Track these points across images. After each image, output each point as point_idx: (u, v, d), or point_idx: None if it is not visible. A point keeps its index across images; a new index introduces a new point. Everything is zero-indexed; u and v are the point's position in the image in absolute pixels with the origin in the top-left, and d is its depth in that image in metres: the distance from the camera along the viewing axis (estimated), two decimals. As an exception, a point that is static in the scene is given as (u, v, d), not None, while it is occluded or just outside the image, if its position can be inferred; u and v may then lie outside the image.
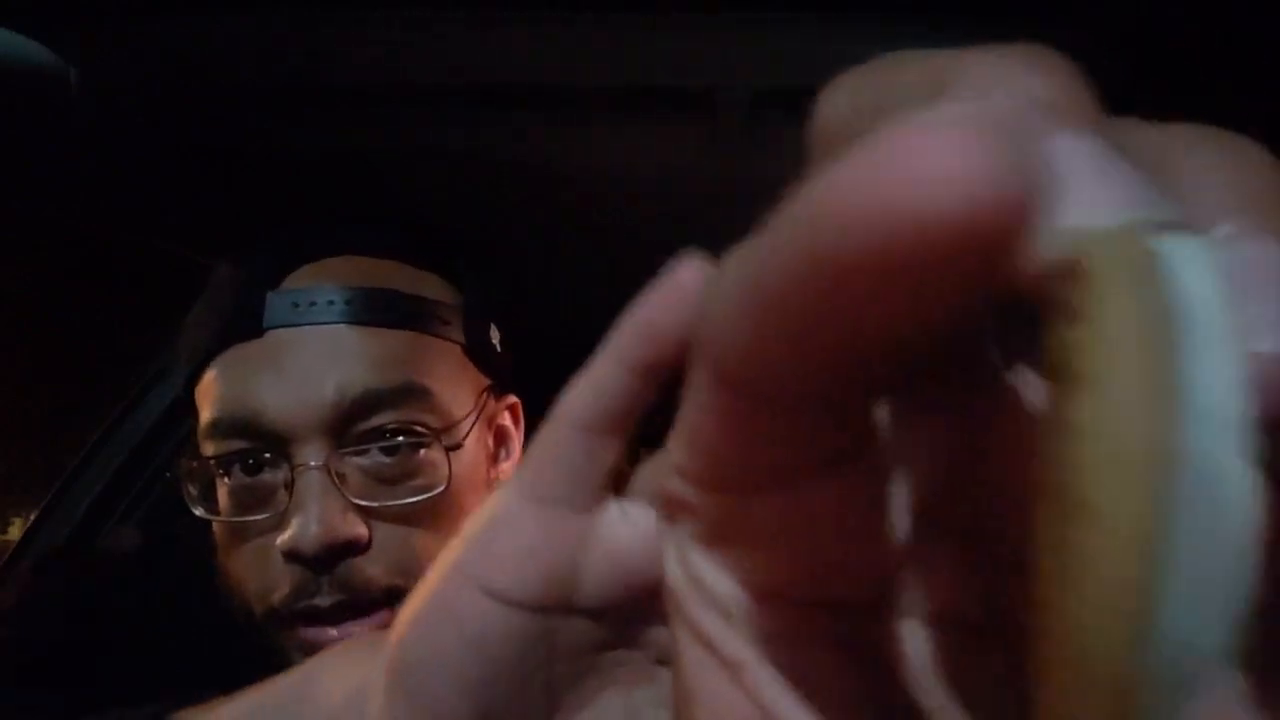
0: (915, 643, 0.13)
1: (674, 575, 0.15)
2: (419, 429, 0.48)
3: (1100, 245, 0.08)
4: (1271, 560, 0.10)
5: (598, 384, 0.18)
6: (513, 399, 0.58)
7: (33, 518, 0.87)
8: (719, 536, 0.14)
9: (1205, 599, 0.07)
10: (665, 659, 0.19)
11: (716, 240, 0.19)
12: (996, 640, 0.13)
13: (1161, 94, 0.45)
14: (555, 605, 0.18)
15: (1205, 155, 0.10)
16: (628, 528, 0.18)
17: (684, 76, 0.42)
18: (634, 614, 0.19)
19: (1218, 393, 0.07)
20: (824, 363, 0.09)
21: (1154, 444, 0.07)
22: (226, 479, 0.48)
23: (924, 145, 0.07)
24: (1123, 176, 0.09)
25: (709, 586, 0.14)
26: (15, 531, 0.86)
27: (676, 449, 0.14)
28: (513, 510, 0.19)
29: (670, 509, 0.15)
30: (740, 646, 0.13)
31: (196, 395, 0.50)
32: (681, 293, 0.17)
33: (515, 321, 0.59)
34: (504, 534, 0.18)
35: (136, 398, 0.83)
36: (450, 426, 0.49)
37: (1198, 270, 0.08)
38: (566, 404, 0.18)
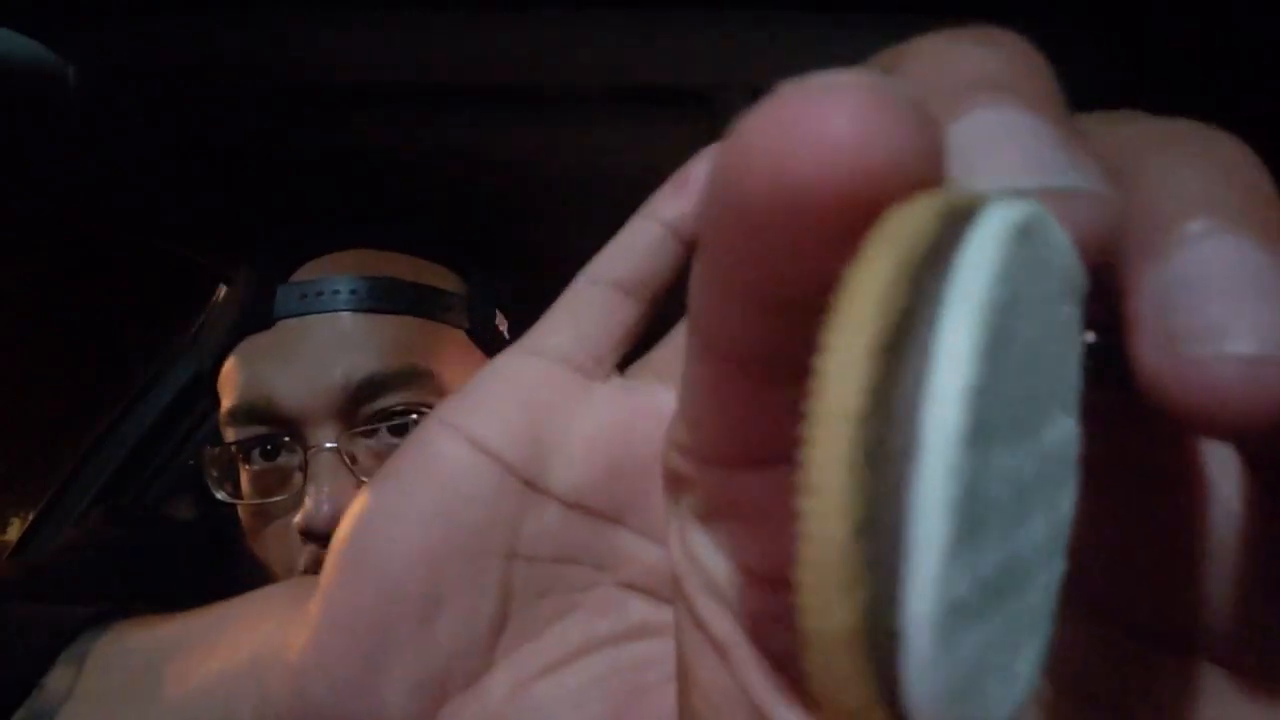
0: None
1: (675, 554, 0.14)
2: (425, 410, 0.49)
3: (915, 207, 0.07)
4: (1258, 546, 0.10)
5: (626, 240, 0.18)
6: None
7: (30, 518, 0.87)
8: (714, 512, 0.13)
9: (899, 562, 0.07)
10: (637, 584, 0.18)
11: None
12: None
13: (1161, 94, 0.45)
14: (532, 473, 0.17)
15: (1182, 149, 0.10)
16: (622, 409, 0.18)
17: (683, 76, 0.42)
18: (607, 521, 0.18)
19: (929, 367, 0.07)
20: (767, 318, 0.09)
21: (846, 404, 0.07)
22: (247, 464, 0.51)
23: (806, 107, 0.08)
24: (1029, 148, 0.08)
25: (705, 566, 0.14)
26: (14, 532, 0.86)
27: (675, 425, 0.13)
28: (511, 362, 0.18)
29: (671, 484, 0.14)
30: (730, 628, 0.13)
31: (218, 385, 0.53)
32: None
33: (517, 319, 0.59)
34: (497, 383, 0.18)
35: (136, 398, 0.83)
36: None
37: (990, 239, 0.07)
38: (592, 263, 0.18)
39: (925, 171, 0.08)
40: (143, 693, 0.23)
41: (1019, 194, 0.08)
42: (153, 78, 0.44)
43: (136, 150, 0.50)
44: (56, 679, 0.28)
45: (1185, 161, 0.09)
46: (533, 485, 0.17)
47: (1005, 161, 0.08)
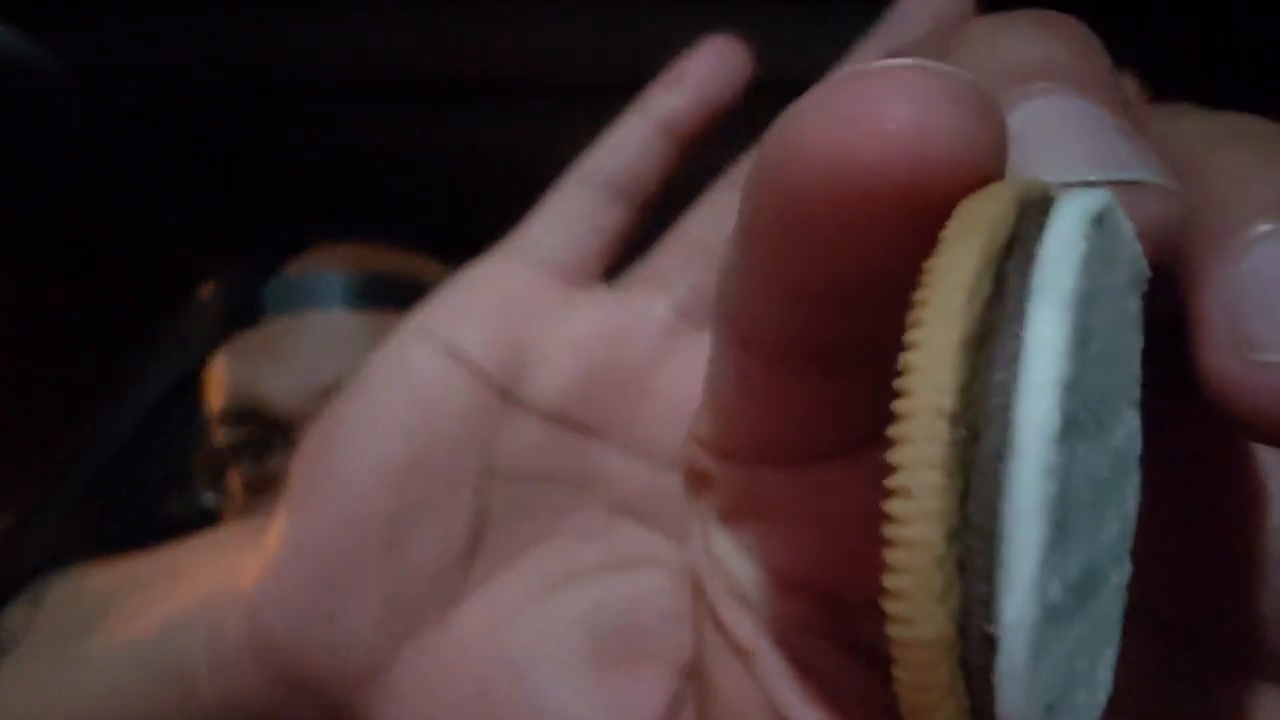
0: None
1: (696, 554, 0.14)
2: None
3: (991, 197, 0.07)
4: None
5: (617, 138, 0.17)
6: None
7: (10, 522, 0.87)
8: (738, 512, 0.13)
9: (995, 564, 0.07)
10: (627, 506, 0.16)
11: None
12: None
13: (1159, 93, 0.45)
14: (510, 383, 0.16)
15: (1254, 146, 0.09)
16: (609, 317, 0.16)
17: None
18: (592, 435, 0.16)
19: (1021, 362, 0.07)
20: (813, 311, 0.09)
21: (938, 402, 0.07)
22: (237, 466, 0.49)
23: (865, 94, 0.07)
24: (1092, 138, 0.08)
25: (728, 568, 0.13)
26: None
27: (699, 419, 0.13)
28: (492, 267, 0.17)
29: (692, 481, 0.14)
30: (753, 633, 0.12)
31: (206, 386, 0.52)
32: (715, 51, 0.16)
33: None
34: (476, 287, 0.16)
35: (119, 399, 0.82)
36: None
37: (1070, 228, 0.07)
38: (581, 163, 0.17)
39: (988, 161, 0.07)
40: (97, 631, 0.22)
41: (1086, 184, 0.08)
42: (140, 73, 0.44)
43: (123, 146, 0.49)
44: (13, 618, 0.28)
45: (1259, 160, 0.09)
46: (511, 396, 0.16)
47: (1068, 152, 0.08)
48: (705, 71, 0.17)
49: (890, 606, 0.07)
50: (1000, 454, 0.07)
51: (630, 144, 0.17)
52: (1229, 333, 0.08)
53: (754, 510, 0.12)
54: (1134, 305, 0.08)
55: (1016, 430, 0.07)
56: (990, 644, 0.07)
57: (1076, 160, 0.08)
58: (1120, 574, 0.08)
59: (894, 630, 0.07)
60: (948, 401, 0.07)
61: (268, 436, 0.48)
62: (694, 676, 0.14)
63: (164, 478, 0.61)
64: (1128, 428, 0.08)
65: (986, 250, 0.07)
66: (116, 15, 0.40)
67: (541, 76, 0.44)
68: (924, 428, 0.07)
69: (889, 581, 0.07)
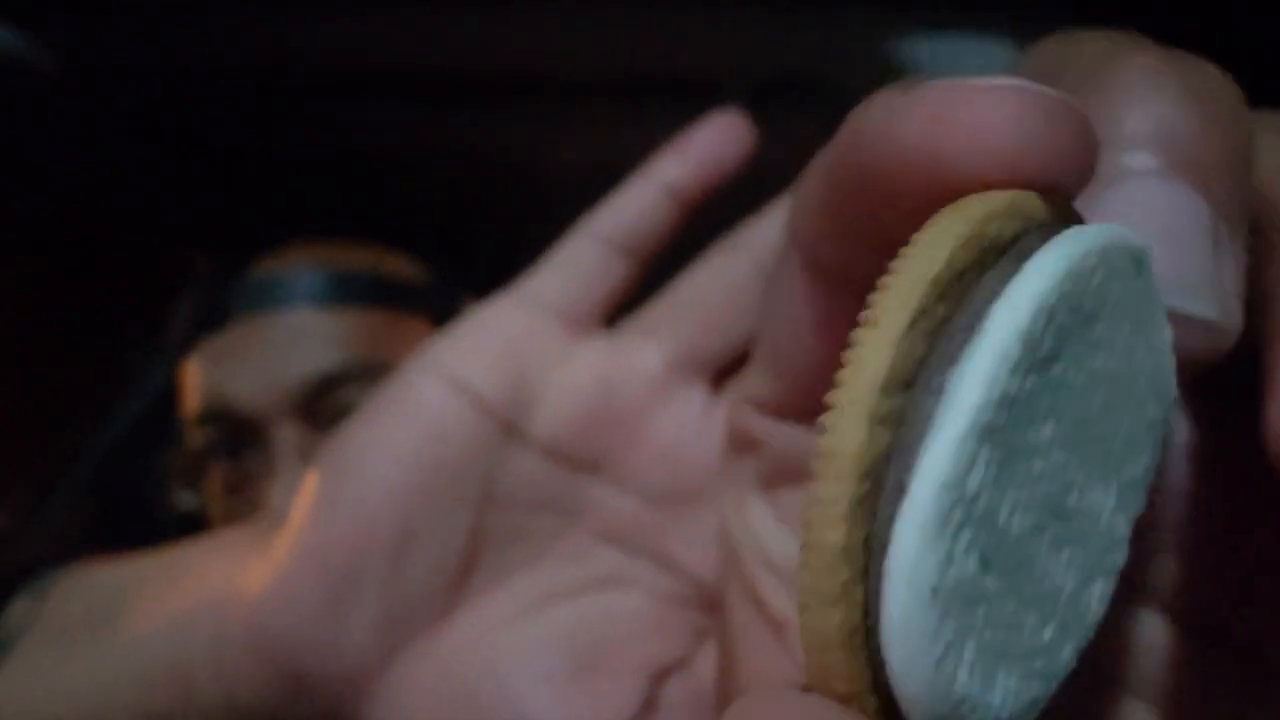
0: None
1: (731, 527, 0.14)
2: None
3: (989, 198, 0.08)
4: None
5: (626, 198, 0.18)
6: None
7: (6, 520, 0.87)
8: (781, 478, 0.13)
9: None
10: (610, 534, 0.18)
11: (719, 230, 0.19)
12: None
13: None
14: (511, 421, 0.17)
15: None
16: (607, 362, 0.18)
17: (686, 66, 0.42)
18: (584, 471, 0.18)
19: (956, 383, 0.07)
20: (871, 251, 0.09)
21: (862, 393, 0.07)
22: (212, 467, 0.50)
23: (969, 102, 0.08)
24: (1179, 252, 0.08)
25: (765, 539, 0.13)
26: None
27: (750, 379, 0.13)
28: (499, 309, 0.18)
29: (736, 446, 0.14)
30: (788, 605, 0.13)
31: (180, 389, 0.52)
32: (722, 126, 0.18)
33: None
34: (484, 327, 0.18)
35: (115, 400, 0.82)
36: None
37: (1067, 252, 0.07)
38: (589, 219, 0.18)
39: (1071, 179, 0.08)
40: (98, 630, 0.23)
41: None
42: (139, 73, 0.44)
43: (121, 145, 0.49)
44: (15, 614, 0.28)
45: None
46: (512, 430, 0.17)
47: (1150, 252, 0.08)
48: (710, 144, 0.19)
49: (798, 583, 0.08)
50: (909, 447, 0.07)
51: (636, 204, 0.18)
52: None
53: (797, 475, 0.13)
54: (1152, 364, 0.08)
55: (927, 420, 0.07)
56: (877, 623, 0.07)
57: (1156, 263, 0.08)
58: (1093, 579, 0.09)
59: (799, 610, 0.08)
60: (878, 380, 0.07)
61: (240, 436, 0.48)
62: (718, 653, 0.15)
63: (162, 476, 0.62)
64: (1134, 462, 0.09)
65: (962, 247, 0.07)
66: (115, 14, 0.40)
67: (541, 76, 0.44)
68: (849, 408, 0.07)
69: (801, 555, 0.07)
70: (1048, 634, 0.08)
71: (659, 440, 0.18)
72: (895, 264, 0.08)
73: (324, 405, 0.48)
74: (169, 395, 0.64)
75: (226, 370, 0.48)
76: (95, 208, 0.56)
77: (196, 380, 0.50)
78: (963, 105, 0.08)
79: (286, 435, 0.47)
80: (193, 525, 0.57)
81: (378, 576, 0.16)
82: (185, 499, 0.52)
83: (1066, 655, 0.09)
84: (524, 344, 0.17)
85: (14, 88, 0.42)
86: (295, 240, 0.52)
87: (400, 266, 0.54)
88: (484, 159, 0.53)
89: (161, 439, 0.81)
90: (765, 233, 0.18)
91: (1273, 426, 0.08)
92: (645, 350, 0.18)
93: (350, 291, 0.50)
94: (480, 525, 0.17)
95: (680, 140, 0.19)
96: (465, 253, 0.59)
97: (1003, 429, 0.07)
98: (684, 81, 0.43)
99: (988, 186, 0.08)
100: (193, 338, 0.51)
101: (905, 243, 0.08)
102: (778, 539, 0.13)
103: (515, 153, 0.53)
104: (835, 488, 0.07)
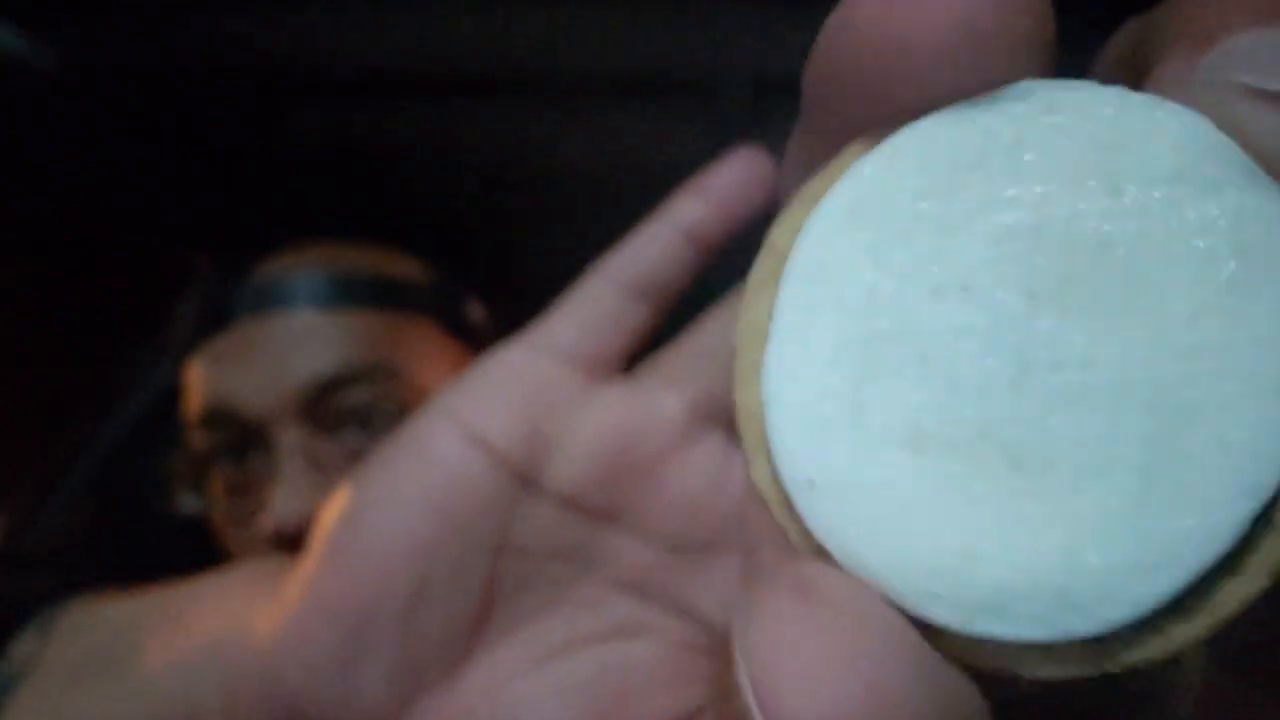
0: None
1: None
2: (391, 405, 0.48)
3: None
4: None
5: (643, 241, 0.18)
6: None
7: (7, 521, 0.87)
8: None
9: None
10: (627, 582, 0.17)
11: (737, 262, 0.19)
12: None
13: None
14: (527, 471, 0.17)
15: None
16: (625, 410, 0.17)
17: (686, 64, 0.42)
18: (601, 520, 0.17)
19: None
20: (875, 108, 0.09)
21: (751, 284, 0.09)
22: (216, 469, 0.49)
23: None
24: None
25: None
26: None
27: None
28: (514, 356, 0.18)
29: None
30: None
31: (183, 391, 0.52)
32: (742, 164, 0.17)
33: (512, 313, 0.59)
34: (498, 377, 0.17)
35: (117, 400, 0.82)
36: (424, 401, 0.50)
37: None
38: (606, 262, 0.18)
39: (1022, 41, 0.08)
40: (106, 667, 0.23)
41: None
42: (128, 68, 0.44)
43: (121, 145, 0.49)
44: (21, 648, 0.28)
45: None
46: (528, 481, 0.17)
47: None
48: (730, 183, 0.18)
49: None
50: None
51: (654, 247, 0.18)
52: None
53: None
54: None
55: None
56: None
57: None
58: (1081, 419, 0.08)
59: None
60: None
61: (243, 438, 0.48)
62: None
63: (163, 478, 0.62)
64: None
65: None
66: (115, 14, 0.40)
67: (543, 76, 0.44)
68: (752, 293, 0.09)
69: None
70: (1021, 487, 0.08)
71: (678, 488, 0.18)
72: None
73: (327, 407, 0.47)
74: (170, 396, 0.64)
75: (229, 372, 0.48)
76: (96, 208, 0.56)
77: (199, 382, 0.49)
78: None
79: (289, 437, 0.47)
80: (195, 527, 0.57)
81: (391, 628, 0.16)
82: (187, 501, 0.52)
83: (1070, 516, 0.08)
84: (540, 392, 0.17)
85: (15, 88, 0.42)
86: (297, 241, 0.52)
87: (404, 267, 0.53)
88: (486, 159, 0.53)
89: (162, 440, 0.81)
90: None
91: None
92: (665, 397, 0.18)
93: (353, 293, 0.50)
94: (495, 574, 0.17)
95: (699, 179, 0.18)
96: (467, 253, 0.59)
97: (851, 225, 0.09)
98: (684, 81, 0.43)
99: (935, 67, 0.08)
100: (194, 339, 0.51)
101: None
102: None
103: (517, 152, 0.53)
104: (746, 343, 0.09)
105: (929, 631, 0.08)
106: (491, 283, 0.60)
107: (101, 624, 0.27)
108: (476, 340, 0.56)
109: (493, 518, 0.17)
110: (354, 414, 0.48)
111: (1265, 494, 0.07)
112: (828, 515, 0.08)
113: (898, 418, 0.08)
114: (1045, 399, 0.08)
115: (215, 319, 0.50)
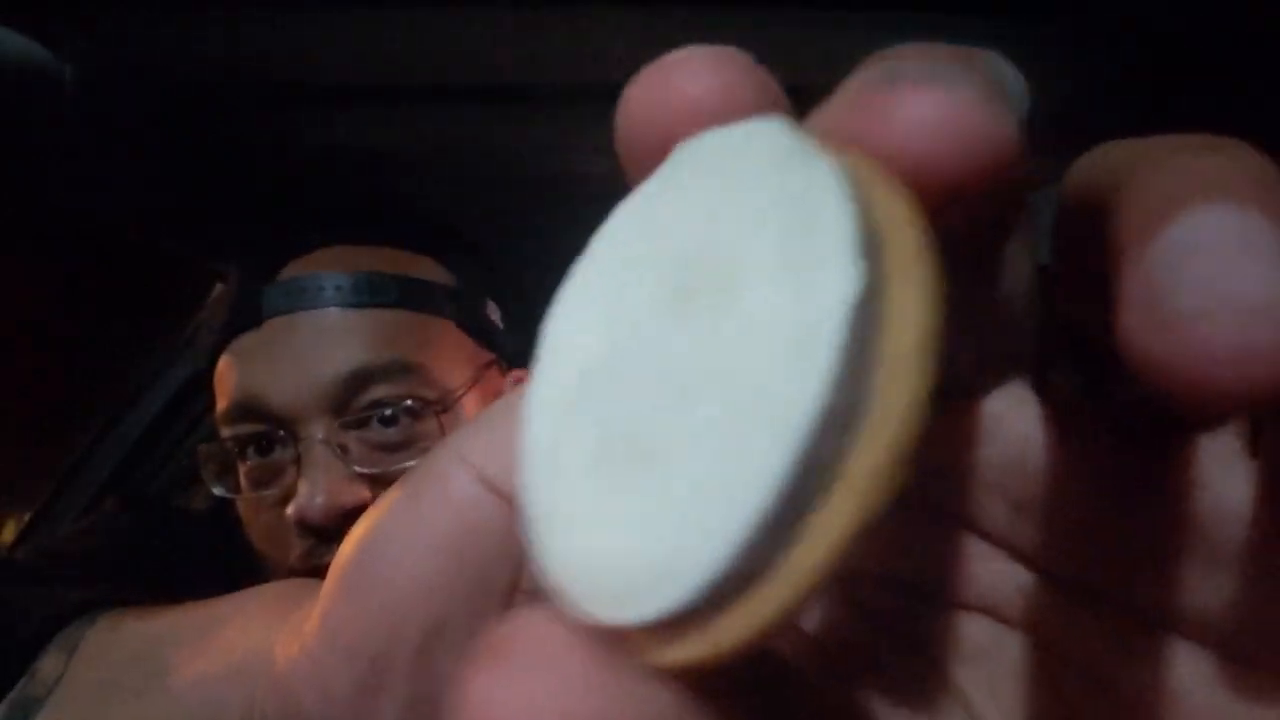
0: (966, 634, 0.13)
1: None
2: (413, 401, 0.50)
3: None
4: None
5: None
6: (522, 374, 0.60)
7: (27, 519, 0.87)
8: None
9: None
10: None
11: None
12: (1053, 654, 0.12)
13: (1153, 90, 0.45)
14: None
15: (1184, 152, 0.09)
16: None
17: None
18: None
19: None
20: None
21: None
22: (243, 460, 0.51)
23: (668, 74, 0.10)
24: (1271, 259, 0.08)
25: None
26: (8, 534, 0.86)
27: None
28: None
29: None
30: None
31: (213, 386, 0.54)
32: None
33: (517, 318, 0.60)
34: (513, 421, 0.18)
35: (135, 396, 0.83)
36: (446, 397, 0.52)
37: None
38: None
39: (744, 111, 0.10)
40: (132, 685, 0.24)
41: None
42: (145, 77, 0.44)
43: (130, 149, 0.50)
44: (48, 665, 0.28)
45: (1185, 157, 0.09)
46: None
47: (1247, 269, 0.08)
48: None
49: None
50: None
51: None
52: (1145, 298, 0.08)
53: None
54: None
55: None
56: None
57: (1256, 278, 0.08)
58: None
59: None
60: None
61: (269, 432, 0.50)
62: None
63: (177, 473, 0.62)
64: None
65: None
66: (133, 25, 0.41)
67: (541, 77, 0.44)
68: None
69: None
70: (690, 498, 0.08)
71: None
72: None
73: (352, 402, 0.50)
74: (188, 395, 0.64)
75: (259, 368, 0.50)
76: (116, 213, 0.56)
77: (229, 377, 0.51)
78: (664, 71, 0.10)
79: (316, 432, 0.49)
80: (221, 519, 0.58)
81: (404, 666, 0.17)
82: (203, 496, 0.53)
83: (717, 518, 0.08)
84: None
85: (37, 97, 0.42)
86: (320, 244, 0.54)
87: (425, 270, 0.55)
88: (499, 165, 0.53)
89: (179, 438, 0.82)
90: None
91: (1127, 336, 0.08)
92: None
93: (377, 293, 0.52)
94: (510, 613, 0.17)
95: None
96: (483, 257, 0.60)
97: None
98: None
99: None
100: (219, 339, 0.53)
101: None
102: None
103: (521, 157, 0.53)
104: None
105: (622, 638, 0.08)
106: (505, 285, 0.60)
107: (127, 642, 0.28)
108: (496, 341, 0.58)
109: (507, 558, 0.17)
110: (378, 408, 0.50)
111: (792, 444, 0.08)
112: (542, 550, 0.09)
113: (580, 450, 0.09)
114: (656, 400, 0.09)
115: (245, 317, 0.52)
